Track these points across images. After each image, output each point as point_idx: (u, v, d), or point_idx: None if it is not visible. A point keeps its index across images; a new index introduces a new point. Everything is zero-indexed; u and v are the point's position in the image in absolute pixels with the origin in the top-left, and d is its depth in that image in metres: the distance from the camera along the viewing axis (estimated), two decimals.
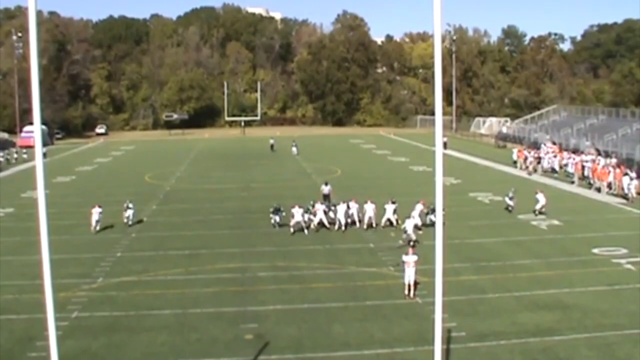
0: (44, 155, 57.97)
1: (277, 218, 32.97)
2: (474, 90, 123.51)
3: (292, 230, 31.66)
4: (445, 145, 68.70)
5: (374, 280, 23.56)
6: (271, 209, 33.49)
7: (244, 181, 50.60)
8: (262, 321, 19.82)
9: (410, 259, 21.98)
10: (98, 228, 32.93)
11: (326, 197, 38.17)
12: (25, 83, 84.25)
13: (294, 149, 71.00)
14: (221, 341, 18.38)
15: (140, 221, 34.95)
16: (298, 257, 27.31)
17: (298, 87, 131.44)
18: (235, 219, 35.73)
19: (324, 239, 30.57)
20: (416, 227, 30.12)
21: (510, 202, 36.64)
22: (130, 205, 34.31)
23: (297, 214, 31.84)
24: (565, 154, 57.51)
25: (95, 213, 33.16)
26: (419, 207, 32.17)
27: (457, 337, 18.16)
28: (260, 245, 29.63)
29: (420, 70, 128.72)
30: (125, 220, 33.98)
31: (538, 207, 35.44)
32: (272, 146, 75.36)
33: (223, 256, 27.69)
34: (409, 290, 21.76)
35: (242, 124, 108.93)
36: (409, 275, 21.78)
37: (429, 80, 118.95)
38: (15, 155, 70.09)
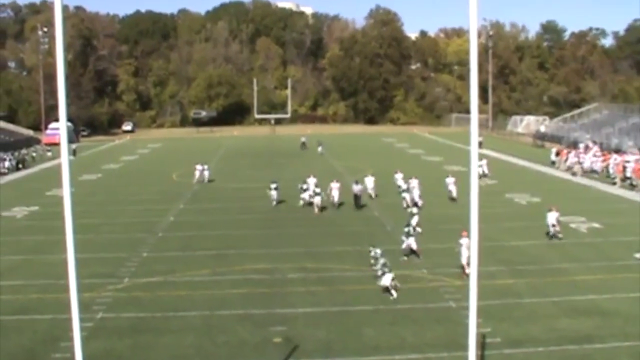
0: (74, 152, 58.62)
1: (275, 194, 39.11)
2: (511, 88, 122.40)
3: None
4: (480, 145, 68.23)
5: (405, 283, 23.43)
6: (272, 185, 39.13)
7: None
8: (291, 324, 19.84)
9: (464, 241, 24.19)
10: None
11: (357, 197, 38.33)
12: (50, 79, 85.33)
13: (320, 148, 71.10)
14: (249, 344, 18.44)
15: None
16: (327, 259, 27.30)
17: (329, 84, 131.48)
18: (263, 219, 35.84)
19: (355, 240, 30.52)
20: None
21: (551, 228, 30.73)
22: None
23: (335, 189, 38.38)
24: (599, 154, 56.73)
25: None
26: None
27: (492, 343, 18.00)
28: (289, 246, 29.68)
29: (456, 67, 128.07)
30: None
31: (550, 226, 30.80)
32: (303, 144, 75.47)
33: (251, 257, 27.79)
34: (463, 269, 24.10)
35: (272, 121, 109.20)
36: (465, 257, 24.10)
37: (464, 77, 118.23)
38: (41, 153, 71.09)
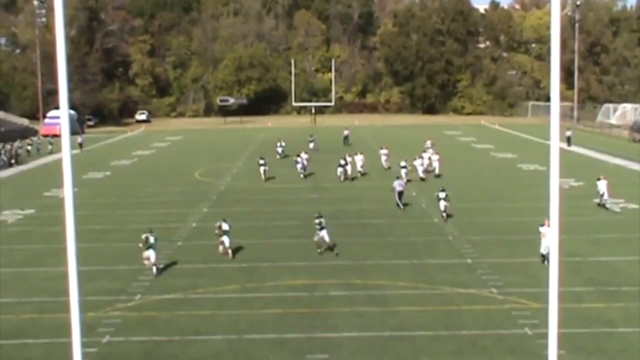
0: (80, 146, 59.16)
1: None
2: (602, 70, 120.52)
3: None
4: (569, 141, 67.40)
5: (472, 304, 23.22)
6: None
7: (313, 180, 50.76)
8: (334, 351, 19.80)
9: (545, 229, 25.79)
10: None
11: (400, 195, 39.73)
12: (49, 58, 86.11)
13: (311, 145, 68.83)
14: None
15: (159, 270, 35.24)
16: (378, 274, 27.19)
17: (381, 67, 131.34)
18: (302, 226, 35.81)
19: (411, 251, 30.35)
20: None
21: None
22: (151, 238, 28.08)
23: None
24: None
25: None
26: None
27: None
28: (333, 258, 29.62)
29: (534, 45, 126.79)
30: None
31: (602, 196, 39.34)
32: (346, 138, 75.36)
33: (287, 270, 27.82)
34: (543, 259, 26.54)
35: (313, 110, 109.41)
36: (545, 246, 26.36)
37: (544, 58, 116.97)
38: (38, 146, 71.93)
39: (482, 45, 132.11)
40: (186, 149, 75.28)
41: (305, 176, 52.15)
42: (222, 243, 29.97)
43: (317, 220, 30.47)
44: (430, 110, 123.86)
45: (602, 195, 39.09)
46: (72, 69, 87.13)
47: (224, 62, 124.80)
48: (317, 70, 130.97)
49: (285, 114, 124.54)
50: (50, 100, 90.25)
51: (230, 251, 29.81)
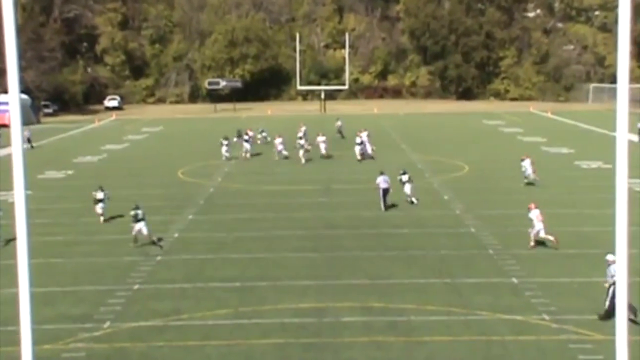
0: (27, 140, 59.09)
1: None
2: None
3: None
4: None
5: (518, 334, 23.13)
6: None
7: (322, 181, 50.69)
8: None
9: (534, 214, 30.49)
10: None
11: (385, 193, 40.90)
12: None
13: (338, 122, 74.68)
14: None
15: (158, 240, 35.26)
16: (402, 295, 27.11)
17: (405, 42, 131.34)
18: (310, 236, 35.82)
19: (442, 268, 30.26)
20: None
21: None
22: (139, 213, 34.27)
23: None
24: None
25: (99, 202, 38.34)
26: None
27: None
28: (347, 275, 29.59)
29: (597, 13, 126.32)
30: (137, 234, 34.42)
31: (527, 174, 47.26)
32: (339, 130, 73.73)
33: (291, 291, 27.78)
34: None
35: (322, 95, 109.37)
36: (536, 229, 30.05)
37: (609, 29, 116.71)
38: None
39: (531, 14, 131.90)
40: (167, 143, 75.48)
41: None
42: (140, 232, 33.23)
43: (132, 212, 33.61)
44: (466, 95, 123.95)
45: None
46: (24, 43, 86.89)
47: (213, 37, 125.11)
48: (327, 47, 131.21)
49: (288, 99, 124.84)
50: None
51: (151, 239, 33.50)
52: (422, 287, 28.09)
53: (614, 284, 23.07)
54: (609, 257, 24.21)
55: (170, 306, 26.31)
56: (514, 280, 28.80)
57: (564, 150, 64.54)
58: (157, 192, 47.69)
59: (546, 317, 24.67)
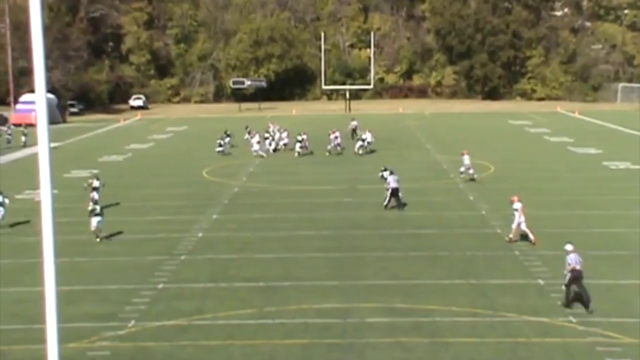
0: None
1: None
2: None
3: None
4: None
5: (544, 337, 23.03)
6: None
7: (347, 181, 50.65)
8: None
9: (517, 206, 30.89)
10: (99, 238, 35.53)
11: (394, 193, 40.91)
12: (21, 29, 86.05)
13: (353, 122, 75.34)
14: None
15: (105, 238, 35.33)
16: (427, 296, 27.06)
17: (431, 41, 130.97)
18: (334, 237, 35.79)
19: (469, 268, 30.18)
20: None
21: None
22: (97, 208, 36.16)
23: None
24: None
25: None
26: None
27: None
28: (371, 276, 29.56)
29: (626, 12, 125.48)
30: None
31: (462, 169, 49.26)
32: (354, 131, 73.05)
33: (315, 291, 27.78)
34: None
35: (347, 95, 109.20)
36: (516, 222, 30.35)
37: (639, 27, 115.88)
38: (8, 137, 72.23)
39: (558, 13, 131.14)
40: (192, 142, 75.59)
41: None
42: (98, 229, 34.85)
43: (90, 208, 35.65)
44: (493, 94, 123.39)
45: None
46: (50, 43, 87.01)
47: (238, 36, 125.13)
48: (352, 46, 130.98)
49: (313, 99, 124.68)
50: (24, 81, 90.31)
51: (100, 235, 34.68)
52: (447, 288, 28.03)
53: (571, 271, 24.93)
54: (568, 246, 25.90)
55: (194, 306, 26.37)
56: (540, 281, 28.68)
57: (592, 151, 64.18)
58: (181, 192, 47.81)
59: (573, 319, 24.53)
